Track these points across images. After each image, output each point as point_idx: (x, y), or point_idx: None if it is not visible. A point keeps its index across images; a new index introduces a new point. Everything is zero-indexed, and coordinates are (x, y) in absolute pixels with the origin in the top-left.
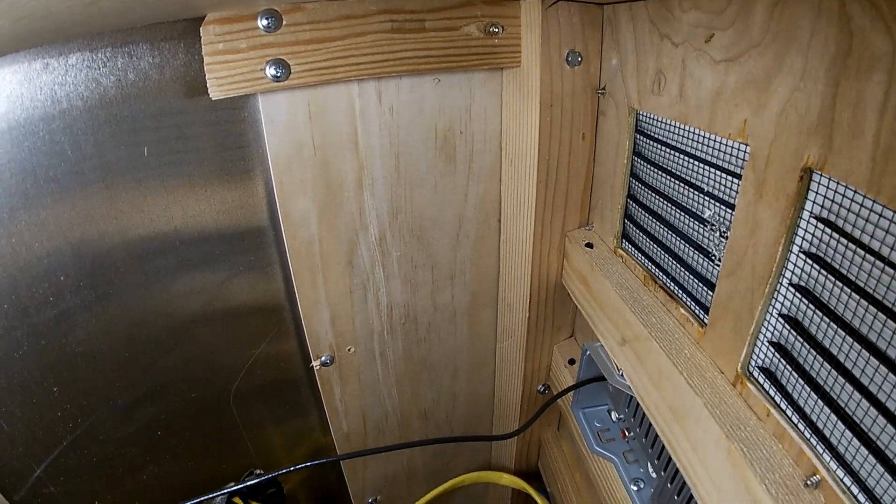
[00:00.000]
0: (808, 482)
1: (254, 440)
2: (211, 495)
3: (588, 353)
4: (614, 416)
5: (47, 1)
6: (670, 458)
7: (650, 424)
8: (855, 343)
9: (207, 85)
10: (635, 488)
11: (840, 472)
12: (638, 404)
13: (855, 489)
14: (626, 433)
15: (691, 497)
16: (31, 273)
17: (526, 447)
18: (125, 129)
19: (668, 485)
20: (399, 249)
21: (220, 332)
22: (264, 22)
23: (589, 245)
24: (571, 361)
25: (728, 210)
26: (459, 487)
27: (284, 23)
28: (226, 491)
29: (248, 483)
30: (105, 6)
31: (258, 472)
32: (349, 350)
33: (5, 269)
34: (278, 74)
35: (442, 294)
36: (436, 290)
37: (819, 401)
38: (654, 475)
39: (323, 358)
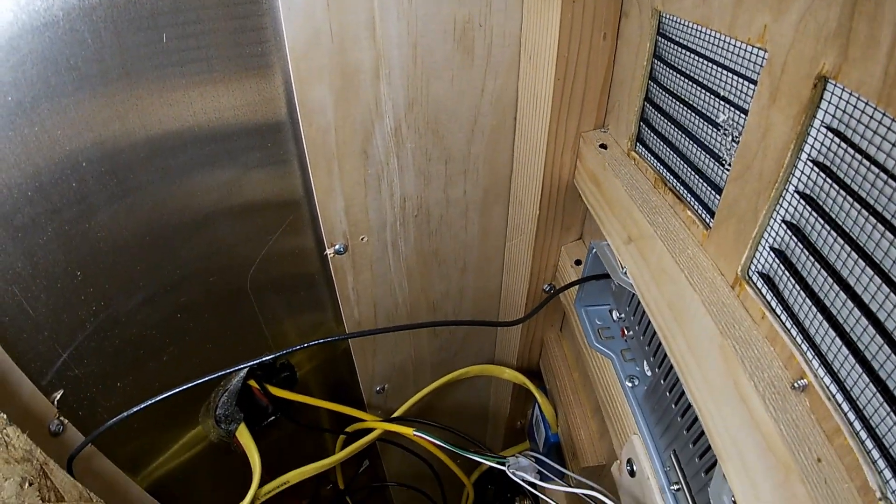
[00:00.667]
0: (796, 385)
1: (270, 327)
2: (228, 371)
3: (594, 250)
4: (615, 315)
5: None
6: (665, 357)
7: (649, 323)
8: (853, 253)
9: None
10: (630, 385)
11: (827, 379)
12: (639, 303)
13: (840, 397)
14: (626, 332)
15: (682, 394)
16: (55, 160)
17: (529, 345)
18: (144, 15)
19: (662, 381)
20: (413, 141)
21: (239, 222)
22: None
23: (603, 146)
24: (578, 262)
25: (742, 115)
26: (463, 380)
27: None
28: (242, 367)
29: (263, 359)
30: None
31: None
32: (362, 239)
33: (29, 157)
34: None
35: (455, 188)
36: (449, 183)
37: (813, 308)
38: (648, 373)
39: (337, 246)
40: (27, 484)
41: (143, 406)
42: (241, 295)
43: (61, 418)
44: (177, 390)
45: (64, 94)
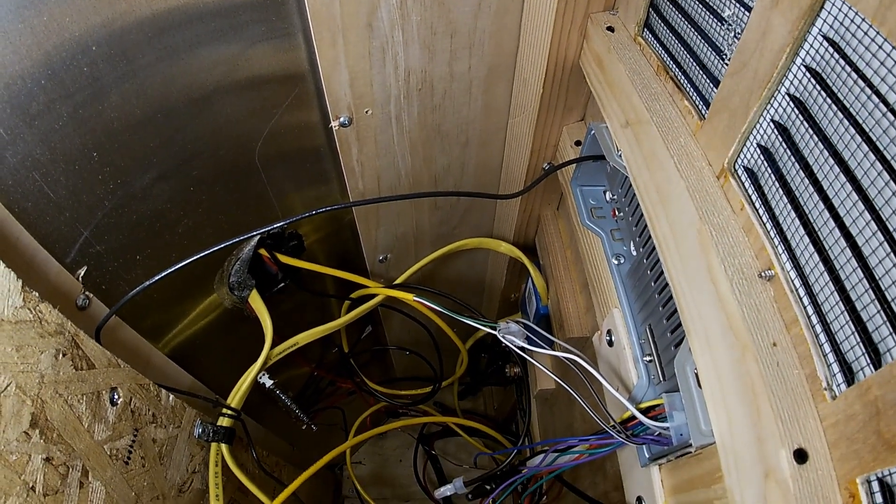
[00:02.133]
0: (763, 274)
1: (278, 198)
2: (239, 238)
3: (593, 132)
4: (608, 196)
5: None
6: (650, 239)
7: (638, 206)
8: (830, 159)
9: None
10: (616, 262)
11: (792, 273)
12: (630, 187)
13: (802, 291)
14: (617, 213)
15: (661, 274)
16: (64, 46)
17: (526, 221)
18: None
19: (644, 261)
20: (419, 13)
21: (245, 95)
22: None
23: (610, 28)
24: (578, 143)
25: (746, 12)
26: (461, 253)
27: None
28: (253, 234)
29: (273, 227)
30: None
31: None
32: (367, 112)
33: (40, 45)
34: None
35: (459, 63)
36: (454, 58)
37: (788, 205)
38: (634, 253)
39: (342, 119)
40: (61, 355)
41: (161, 276)
42: (250, 168)
43: (87, 293)
44: (192, 259)
45: None
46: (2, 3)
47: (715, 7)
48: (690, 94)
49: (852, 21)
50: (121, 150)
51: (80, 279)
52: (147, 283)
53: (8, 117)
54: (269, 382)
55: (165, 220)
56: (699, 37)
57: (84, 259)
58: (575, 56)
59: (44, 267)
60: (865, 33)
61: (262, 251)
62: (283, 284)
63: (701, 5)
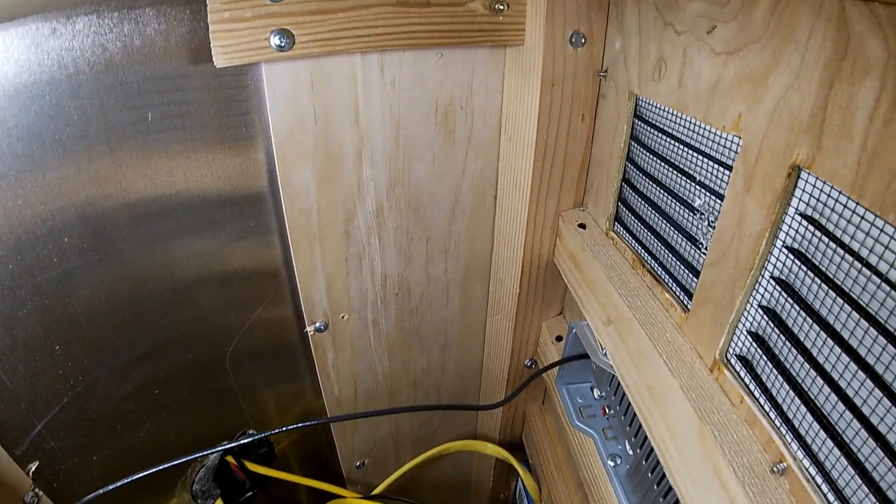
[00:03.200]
0: (775, 469)
1: (248, 401)
2: (205, 452)
3: (574, 330)
4: (596, 393)
5: None
6: (646, 437)
7: (629, 403)
8: (828, 338)
9: (212, 53)
10: (612, 464)
11: (806, 462)
12: (619, 383)
13: (819, 479)
14: (607, 410)
15: (664, 475)
16: (36, 234)
17: (511, 419)
18: (130, 94)
19: (644, 462)
20: (395, 221)
21: (219, 295)
22: None
23: (582, 226)
24: (559, 338)
25: (717, 200)
26: (445, 455)
27: None
28: (219, 449)
29: (242, 442)
30: None
31: (251, 431)
32: (343, 317)
33: (11, 230)
34: (282, 44)
35: (436, 266)
36: (430, 262)
37: (791, 392)
38: (630, 452)
39: (317, 324)
40: None
41: (116, 485)
42: (220, 368)
43: (36, 490)
44: (153, 470)
45: (48, 169)
46: None
47: (684, 197)
48: (670, 286)
49: (829, 196)
50: (85, 345)
51: (31, 474)
52: (102, 490)
53: None
54: None
55: (127, 421)
56: (672, 228)
57: (36, 453)
58: (549, 254)
59: None
60: (844, 206)
61: (230, 458)
62: (251, 493)
63: (670, 196)
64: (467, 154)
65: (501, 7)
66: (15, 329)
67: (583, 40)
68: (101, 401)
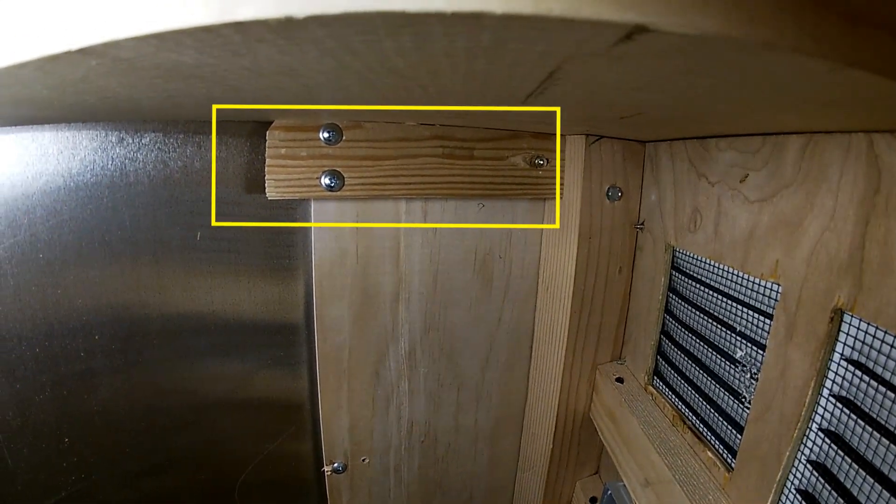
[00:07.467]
0: None
1: None
2: None
3: (609, 492)
4: None
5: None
6: None
7: None
8: (883, 490)
9: (266, 185)
10: None
11: None
12: None
13: None
14: None
15: None
16: (69, 325)
17: None
18: (183, 212)
19: None
20: (427, 366)
21: (239, 420)
22: (326, 135)
23: (619, 380)
24: (593, 500)
25: (759, 351)
26: None
27: (344, 138)
28: None
29: None
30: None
31: None
32: (363, 460)
33: (45, 316)
34: (332, 185)
35: (466, 415)
36: (460, 410)
37: None
38: None
39: (336, 464)
40: None
41: None
42: (228, 496)
43: None
44: None
45: (92, 266)
46: (23, 266)
47: (725, 349)
48: (713, 443)
49: (874, 337)
50: (94, 444)
51: None
52: None
53: None
54: None
55: None
56: (713, 381)
57: None
58: (585, 408)
59: None
60: (892, 346)
61: None
62: None
63: (710, 349)
64: (504, 302)
65: (541, 162)
66: (28, 411)
67: (619, 194)
68: None
